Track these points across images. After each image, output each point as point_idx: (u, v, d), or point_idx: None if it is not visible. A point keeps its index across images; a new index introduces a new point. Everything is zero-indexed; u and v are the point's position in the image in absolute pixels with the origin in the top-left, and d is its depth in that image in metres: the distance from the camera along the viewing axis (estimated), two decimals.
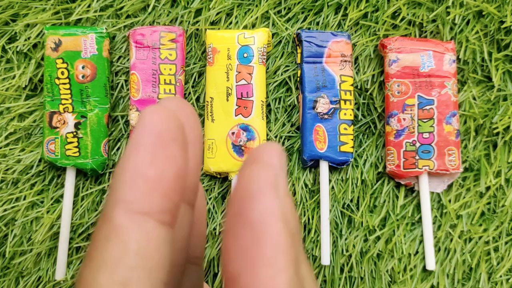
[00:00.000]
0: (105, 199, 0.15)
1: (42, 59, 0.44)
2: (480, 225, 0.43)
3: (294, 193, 0.43)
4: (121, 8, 0.44)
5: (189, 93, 0.44)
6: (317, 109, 0.42)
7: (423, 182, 0.41)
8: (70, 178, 0.42)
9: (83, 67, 0.42)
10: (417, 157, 0.39)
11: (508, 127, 0.43)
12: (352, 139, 0.42)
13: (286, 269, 0.14)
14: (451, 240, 0.43)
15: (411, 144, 0.39)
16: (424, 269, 0.42)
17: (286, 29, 0.44)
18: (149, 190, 0.14)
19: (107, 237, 0.14)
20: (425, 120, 0.38)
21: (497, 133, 0.44)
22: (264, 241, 0.14)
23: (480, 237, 0.43)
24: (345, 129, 0.42)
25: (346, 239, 0.42)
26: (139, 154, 0.15)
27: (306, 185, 0.43)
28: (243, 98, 0.42)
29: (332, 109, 0.42)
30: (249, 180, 0.15)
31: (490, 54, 0.44)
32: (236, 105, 0.41)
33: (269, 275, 0.13)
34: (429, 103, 0.38)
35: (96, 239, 0.15)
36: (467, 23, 0.44)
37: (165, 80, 0.42)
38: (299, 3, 0.44)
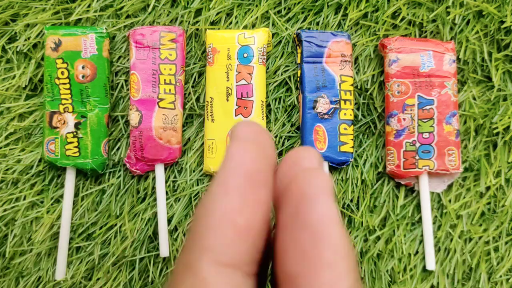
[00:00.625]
0: (186, 243, 0.13)
1: (42, 59, 0.44)
2: (480, 225, 0.43)
3: None
4: (121, 8, 0.44)
5: (189, 93, 0.44)
6: (317, 109, 0.42)
7: (423, 182, 0.41)
8: (70, 178, 0.42)
9: (83, 67, 0.42)
10: (417, 157, 0.39)
11: (508, 127, 0.43)
12: (352, 139, 0.42)
13: (348, 275, 0.13)
14: (451, 240, 0.43)
15: (411, 144, 0.39)
16: (424, 269, 0.42)
17: (286, 29, 0.44)
18: (239, 240, 0.13)
19: None
20: (425, 120, 0.38)
21: (497, 133, 0.44)
22: (324, 244, 0.13)
23: (480, 237, 0.43)
24: (345, 129, 0.42)
25: None
26: (228, 198, 0.13)
27: None
28: (243, 98, 0.42)
29: (332, 109, 0.42)
30: (306, 183, 0.14)
31: (490, 54, 0.44)
32: (236, 105, 0.41)
33: (330, 278, 0.13)
34: (429, 103, 0.38)
35: None
36: (467, 23, 0.44)
37: (165, 80, 0.42)
38: (299, 3, 0.44)
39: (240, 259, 0.13)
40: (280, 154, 0.44)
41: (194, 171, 0.43)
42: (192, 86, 0.44)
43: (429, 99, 0.38)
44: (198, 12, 0.45)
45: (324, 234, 0.13)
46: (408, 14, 0.44)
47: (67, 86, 0.42)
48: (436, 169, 0.40)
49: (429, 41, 0.40)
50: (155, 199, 0.42)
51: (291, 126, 0.44)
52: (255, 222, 0.13)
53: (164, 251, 0.41)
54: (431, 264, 0.41)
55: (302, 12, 0.45)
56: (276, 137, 0.44)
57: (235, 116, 0.41)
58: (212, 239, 0.13)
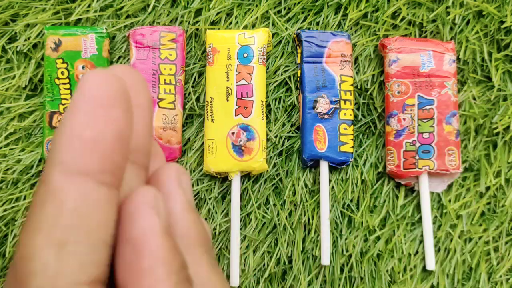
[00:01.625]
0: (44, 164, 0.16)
1: (42, 59, 0.44)
2: (480, 225, 0.43)
3: (294, 193, 0.43)
4: (121, 8, 0.44)
5: (189, 93, 0.44)
6: (317, 109, 0.42)
7: (423, 182, 0.41)
8: None
9: (83, 67, 0.42)
10: (417, 157, 0.39)
11: (508, 127, 0.43)
12: (352, 139, 0.42)
13: (168, 279, 0.14)
14: (451, 240, 0.43)
15: (411, 144, 0.39)
16: (424, 269, 0.42)
17: (286, 29, 0.44)
18: (86, 151, 0.14)
19: (43, 199, 0.14)
20: (425, 120, 0.38)
21: (497, 133, 0.44)
22: (144, 254, 0.15)
23: (480, 237, 0.43)
24: (345, 129, 0.42)
25: (346, 239, 0.42)
26: (76, 116, 0.14)
27: (306, 185, 0.43)
28: (243, 98, 0.42)
29: (332, 109, 0.42)
30: (129, 200, 0.16)
31: (490, 54, 0.44)
32: (236, 105, 0.41)
33: (149, 284, 0.14)
34: (429, 103, 0.38)
35: (34, 203, 0.15)
36: (467, 23, 0.44)
37: (165, 80, 0.42)
38: (299, 3, 0.44)
39: (89, 168, 0.14)
40: (280, 154, 0.44)
41: (194, 171, 0.43)
42: (192, 86, 0.44)
43: (429, 99, 0.38)
44: (198, 12, 0.45)
45: (144, 245, 0.15)
46: (408, 14, 0.44)
47: (67, 86, 0.42)
48: (436, 169, 0.40)
49: (429, 41, 0.40)
50: None
51: (291, 126, 0.44)
52: (104, 135, 0.14)
53: None
54: (431, 264, 0.41)
55: (302, 12, 0.45)
56: (276, 137, 0.44)
57: (235, 116, 0.41)
58: (61, 153, 0.14)
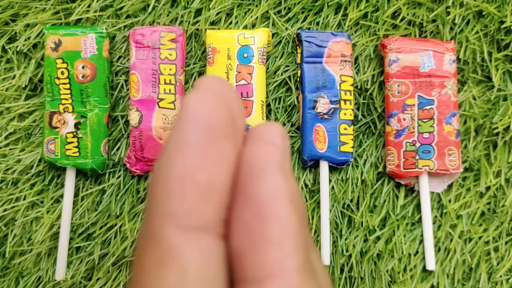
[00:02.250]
0: (145, 213, 0.13)
1: (42, 59, 0.44)
2: (480, 225, 0.43)
3: None
4: (121, 8, 0.44)
5: None
6: (317, 109, 0.42)
7: (423, 182, 0.41)
8: (70, 178, 0.42)
9: (83, 67, 0.42)
10: (417, 157, 0.39)
11: (508, 127, 0.43)
12: (352, 139, 0.42)
13: (297, 254, 0.12)
14: (451, 240, 0.43)
15: (411, 144, 0.39)
16: (424, 269, 0.42)
17: (286, 29, 0.44)
18: (203, 199, 0.12)
19: (160, 262, 0.12)
20: (425, 120, 0.38)
21: (497, 133, 0.43)
22: (271, 222, 0.12)
23: (480, 237, 0.43)
24: (345, 129, 0.42)
25: (346, 239, 0.42)
26: (186, 154, 0.12)
27: (306, 185, 0.43)
28: (243, 98, 0.42)
29: (332, 109, 0.42)
30: (254, 157, 0.13)
31: (490, 54, 0.44)
32: None
33: (277, 257, 0.12)
34: (429, 103, 0.38)
35: (146, 264, 0.12)
36: (467, 23, 0.44)
37: (165, 80, 0.42)
38: (299, 3, 0.44)
39: (207, 220, 0.12)
40: None
41: None
42: (192, 86, 0.44)
43: (429, 99, 0.38)
44: (198, 12, 0.45)
45: (271, 210, 0.12)
46: (408, 14, 0.44)
47: (67, 86, 0.42)
48: (436, 169, 0.40)
49: (429, 41, 0.40)
50: None
51: (291, 126, 0.44)
52: (219, 178, 0.12)
53: None
54: (431, 264, 0.41)
55: (302, 12, 0.45)
56: None
57: None
58: (173, 203, 0.12)
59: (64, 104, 0.42)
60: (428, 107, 0.38)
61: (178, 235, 0.12)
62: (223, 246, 0.12)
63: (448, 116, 0.39)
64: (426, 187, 0.41)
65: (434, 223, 0.43)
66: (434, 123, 0.38)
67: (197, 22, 0.44)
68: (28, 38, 0.44)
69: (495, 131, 0.43)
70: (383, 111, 0.43)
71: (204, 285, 0.12)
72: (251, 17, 0.44)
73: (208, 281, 0.12)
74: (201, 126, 0.12)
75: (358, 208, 0.43)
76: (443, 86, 0.40)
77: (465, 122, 0.43)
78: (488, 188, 0.43)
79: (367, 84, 0.44)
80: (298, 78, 0.43)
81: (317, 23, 0.44)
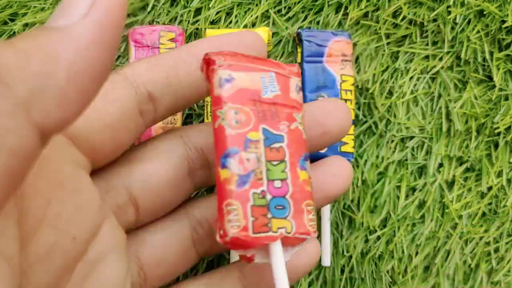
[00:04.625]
0: None
1: None
2: (481, 225, 0.43)
3: None
4: None
5: None
6: None
7: (276, 251, 0.25)
8: None
9: None
10: (269, 215, 0.25)
11: (510, 127, 0.43)
12: (353, 139, 0.42)
13: None
14: (451, 240, 0.43)
15: (260, 196, 0.25)
16: (424, 269, 0.42)
17: (286, 28, 0.44)
18: None
19: None
20: (275, 163, 0.26)
21: (499, 133, 0.43)
22: None
23: (480, 238, 0.43)
24: None
25: (346, 239, 0.42)
26: None
27: None
28: None
29: None
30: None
31: (491, 53, 0.44)
32: None
33: None
34: (278, 140, 0.26)
35: None
36: (468, 22, 0.44)
37: None
38: (299, 2, 0.44)
39: None
40: None
41: None
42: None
43: (277, 135, 0.26)
44: (198, 11, 0.44)
45: None
46: (409, 14, 0.43)
47: None
48: (294, 233, 0.25)
49: (268, 61, 0.28)
50: None
51: None
52: None
53: None
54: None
55: (303, 12, 0.44)
56: None
57: None
58: None
59: None
60: (276, 144, 0.26)
61: None
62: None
63: (302, 159, 0.27)
64: (280, 259, 0.25)
65: (435, 222, 0.43)
66: (286, 168, 0.26)
67: (196, 21, 0.44)
68: None
69: (497, 131, 0.43)
70: (385, 111, 0.43)
71: None
72: (251, 16, 0.44)
73: None
74: None
75: (358, 209, 0.43)
76: (292, 119, 0.27)
77: (466, 122, 0.43)
78: (490, 188, 0.43)
79: (368, 84, 0.44)
80: None
81: (318, 23, 0.44)
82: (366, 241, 0.42)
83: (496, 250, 0.43)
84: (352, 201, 0.43)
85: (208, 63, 0.25)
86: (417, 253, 0.42)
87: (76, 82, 0.16)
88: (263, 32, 0.42)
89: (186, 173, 0.28)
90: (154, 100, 0.25)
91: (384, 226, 0.43)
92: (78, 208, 0.21)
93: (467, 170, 0.43)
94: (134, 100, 0.24)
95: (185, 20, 0.44)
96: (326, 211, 0.41)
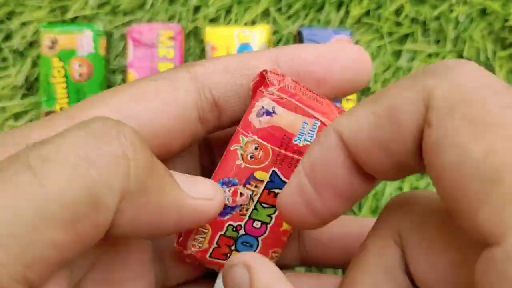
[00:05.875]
0: None
1: (38, 57, 0.43)
2: None
3: None
4: (118, 5, 0.44)
5: None
6: None
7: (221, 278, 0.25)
8: None
9: (79, 66, 0.41)
10: (233, 247, 0.26)
11: None
12: None
13: None
14: None
15: (234, 229, 0.25)
16: None
17: (287, 26, 0.44)
18: None
19: None
20: (265, 205, 0.25)
21: None
22: None
23: None
24: None
25: None
26: None
27: None
28: None
29: None
30: None
31: (494, 52, 0.43)
32: None
33: None
34: (281, 187, 0.24)
35: None
36: (471, 21, 0.43)
37: None
38: (300, 0, 0.44)
39: None
40: None
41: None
42: None
43: (283, 182, 0.25)
44: (197, 9, 0.44)
45: None
46: (411, 12, 0.43)
47: (64, 85, 0.41)
48: None
49: (326, 104, 0.24)
50: None
51: None
52: None
53: None
54: None
55: (304, 10, 0.44)
56: None
57: None
58: None
59: (61, 103, 0.41)
60: (277, 190, 0.25)
61: None
62: None
63: None
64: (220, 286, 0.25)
65: None
66: (274, 214, 0.26)
67: (196, 19, 0.44)
68: (25, 37, 0.43)
69: None
70: None
71: None
72: (251, 14, 0.44)
73: None
74: None
75: (360, 209, 0.42)
76: None
77: None
78: None
79: (369, 83, 0.43)
80: None
81: (319, 21, 0.44)
82: None
83: None
84: None
85: (262, 80, 0.22)
86: None
87: None
88: (263, 30, 0.42)
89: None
90: (219, 108, 0.22)
91: None
92: None
93: None
94: (195, 106, 0.21)
95: (184, 18, 0.44)
96: None
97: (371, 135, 0.16)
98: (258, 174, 0.25)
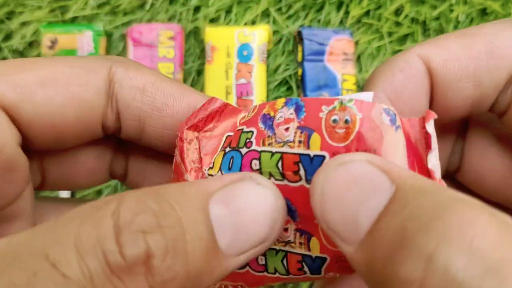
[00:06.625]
0: None
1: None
2: None
3: None
4: (119, 5, 0.44)
5: None
6: None
7: None
8: None
9: None
10: None
11: None
12: None
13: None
14: None
15: None
16: None
17: (287, 26, 0.44)
18: None
19: None
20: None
21: None
22: None
23: None
24: None
25: None
26: None
27: None
28: (242, 97, 0.41)
29: None
30: None
31: None
32: (236, 104, 0.41)
33: None
34: None
35: None
36: (471, 21, 0.43)
37: None
38: (300, 0, 0.44)
39: None
40: None
41: None
42: (191, 85, 0.43)
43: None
44: (197, 9, 0.44)
45: None
46: (411, 12, 0.43)
47: None
48: None
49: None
50: None
51: None
52: None
53: None
54: None
55: (303, 10, 0.44)
56: None
57: None
58: None
59: None
60: None
61: None
62: None
63: None
64: None
65: None
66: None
67: (196, 19, 0.44)
68: (24, 37, 0.43)
69: None
70: None
71: None
72: (251, 14, 0.43)
73: None
74: None
75: None
76: None
77: None
78: None
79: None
80: (299, 77, 0.43)
81: (319, 21, 0.44)
82: None
83: None
84: None
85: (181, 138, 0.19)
86: None
87: None
88: (263, 30, 0.42)
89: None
90: (120, 122, 0.20)
91: None
92: None
93: None
94: (101, 109, 0.19)
95: (184, 18, 0.44)
96: None
97: (465, 66, 0.16)
98: None
